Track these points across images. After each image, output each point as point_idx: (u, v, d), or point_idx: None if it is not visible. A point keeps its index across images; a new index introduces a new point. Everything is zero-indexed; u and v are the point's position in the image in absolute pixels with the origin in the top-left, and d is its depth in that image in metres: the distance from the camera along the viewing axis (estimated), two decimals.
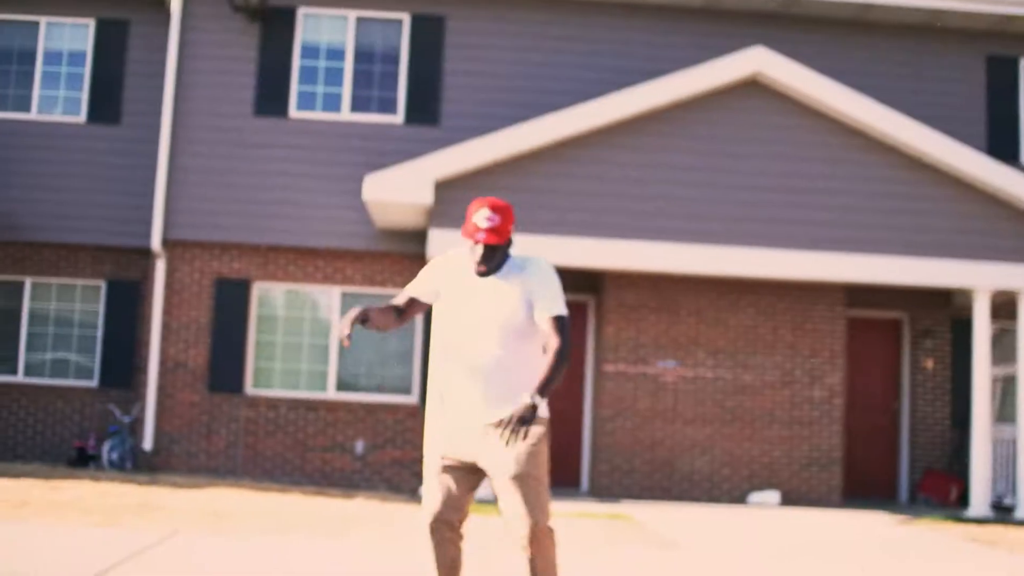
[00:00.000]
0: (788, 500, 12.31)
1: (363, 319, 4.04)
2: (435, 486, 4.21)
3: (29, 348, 13.70)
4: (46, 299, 13.83)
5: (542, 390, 4.02)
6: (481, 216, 4.13)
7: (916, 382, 13.54)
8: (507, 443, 3.86)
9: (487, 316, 4.21)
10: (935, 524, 10.84)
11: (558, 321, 4.19)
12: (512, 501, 4.05)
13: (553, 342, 4.14)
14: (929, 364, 13.53)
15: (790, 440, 12.45)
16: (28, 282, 13.80)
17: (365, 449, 13.02)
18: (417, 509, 10.06)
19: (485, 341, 4.19)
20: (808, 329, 12.61)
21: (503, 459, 4.05)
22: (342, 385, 13.20)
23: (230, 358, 13.01)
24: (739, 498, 12.33)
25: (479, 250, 4.13)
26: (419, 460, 12.65)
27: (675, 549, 8.23)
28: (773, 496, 12.20)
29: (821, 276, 11.99)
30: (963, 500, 12.50)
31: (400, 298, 4.38)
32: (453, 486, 4.18)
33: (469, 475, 4.22)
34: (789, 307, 12.62)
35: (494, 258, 4.18)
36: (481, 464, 4.15)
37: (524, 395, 4.00)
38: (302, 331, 13.33)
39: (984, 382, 11.84)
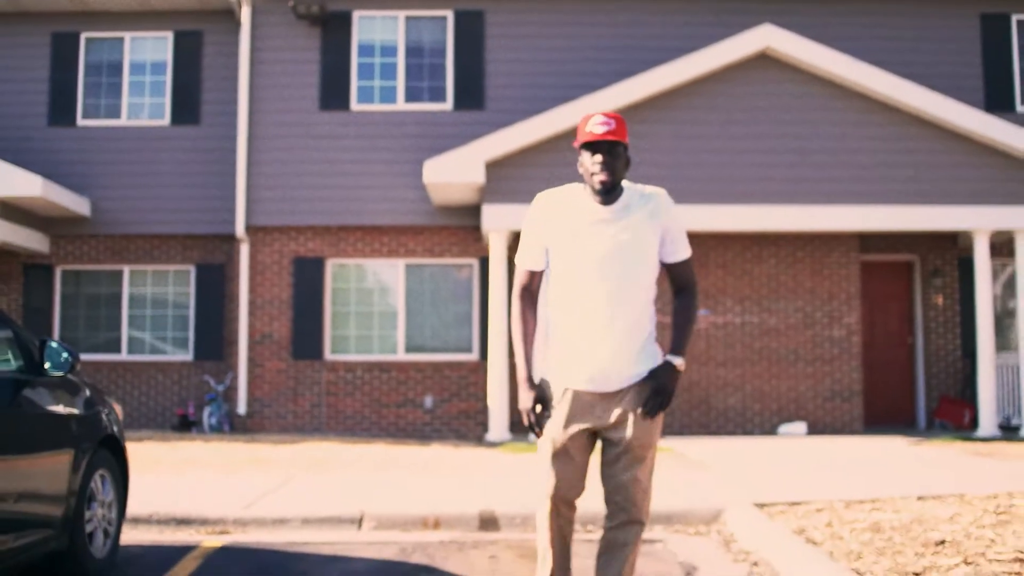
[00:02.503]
0: (814, 430, 13.71)
1: (542, 404, 3.82)
2: (555, 464, 3.84)
3: (130, 328, 15.26)
4: (142, 284, 15.38)
5: (683, 349, 3.89)
6: (595, 121, 3.78)
7: (928, 318, 14.80)
8: (651, 415, 3.76)
9: (619, 255, 3.77)
10: (945, 443, 12.16)
11: (690, 265, 3.99)
12: (628, 475, 3.79)
13: (689, 290, 3.96)
14: (939, 301, 14.76)
15: (813, 376, 13.84)
16: (126, 270, 15.34)
17: (434, 403, 14.52)
18: (485, 452, 11.66)
19: (618, 285, 3.76)
20: (826, 275, 13.94)
21: (632, 429, 3.77)
22: (410, 347, 14.66)
23: (310, 328, 14.52)
24: (770, 430, 13.75)
25: (598, 159, 3.75)
26: (483, 411, 14.16)
27: (706, 470, 9.66)
28: (800, 427, 13.60)
29: (835, 227, 13.27)
30: (975, 423, 13.73)
31: (521, 280, 3.94)
32: (574, 462, 3.84)
33: (589, 443, 3.88)
34: (808, 256, 13.95)
35: (616, 169, 3.77)
36: (606, 430, 3.82)
37: (671, 358, 3.84)
38: (372, 301, 14.80)
39: (987, 315, 13.05)
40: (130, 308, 15.30)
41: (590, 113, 3.85)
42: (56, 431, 5.11)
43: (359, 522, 7.10)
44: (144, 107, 15.20)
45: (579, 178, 3.93)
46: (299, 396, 14.50)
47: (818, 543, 5.80)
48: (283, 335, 14.58)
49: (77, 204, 14.61)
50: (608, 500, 3.85)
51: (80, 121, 15.15)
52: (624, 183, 3.84)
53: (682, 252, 3.90)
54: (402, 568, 5.82)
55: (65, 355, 5.11)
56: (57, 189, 13.98)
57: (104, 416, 5.74)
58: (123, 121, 15.17)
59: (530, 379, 3.83)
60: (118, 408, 6.10)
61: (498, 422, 12.88)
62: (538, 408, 3.79)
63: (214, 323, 15.17)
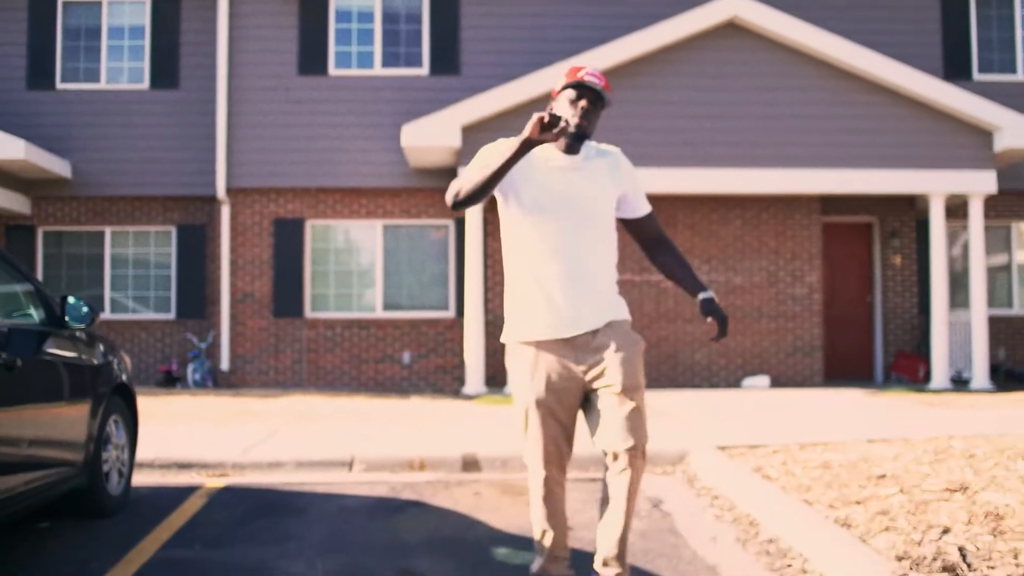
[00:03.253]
0: (776, 383, 14.34)
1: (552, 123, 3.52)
2: (542, 430, 3.85)
3: (113, 288, 15.58)
4: (124, 245, 15.70)
5: (702, 284, 4.01)
6: (587, 71, 3.79)
7: (887, 276, 15.43)
8: (723, 336, 3.88)
9: (580, 201, 3.80)
10: (899, 395, 12.81)
11: (655, 218, 4.12)
12: (621, 415, 3.73)
13: (666, 239, 4.12)
14: (897, 260, 15.39)
15: (776, 332, 14.45)
16: (108, 231, 15.66)
17: (411, 359, 15.02)
18: (463, 404, 12.17)
19: (580, 230, 3.78)
20: (789, 236, 14.52)
21: (617, 370, 3.75)
22: (388, 305, 15.13)
23: (290, 287, 14.95)
24: (734, 383, 14.37)
25: (583, 103, 3.74)
26: (459, 366, 14.68)
27: (673, 418, 10.21)
28: (763, 380, 14.22)
29: (798, 189, 13.82)
30: (929, 377, 14.36)
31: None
32: (561, 425, 3.85)
33: (575, 403, 3.87)
34: (772, 217, 14.51)
35: (593, 120, 3.80)
36: (590, 378, 3.80)
37: (703, 295, 3.95)
38: (351, 261, 15.24)
39: (941, 275, 13.68)
40: (112, 268, 15.62)
41: (580, 65, 3.85)
42: (78, 380, 5.55)
43: (350, 465, 7.61)
44: (123, 71, 15.44)
45: None
46: (280, 353, 14.95)
47: (772, 479, 6.37)
48: (264, 294, 15.00)
49: (58, 166, 14.88)
50: (605, 448, 3.77)
51: (59, 85, 15.36)
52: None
53: (646, 206, 4.03)
54: (394, 504, 6.34)
55: (85, 309, 5.54)
56: (39, 152, 14.25)
57: (116, 366, 6.20)
58: (102, 85, 15.39)
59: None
60: (127, 359, 6.55)
61: (474, 376, 13.40)
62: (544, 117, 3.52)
63: (196, 283, 15.54)
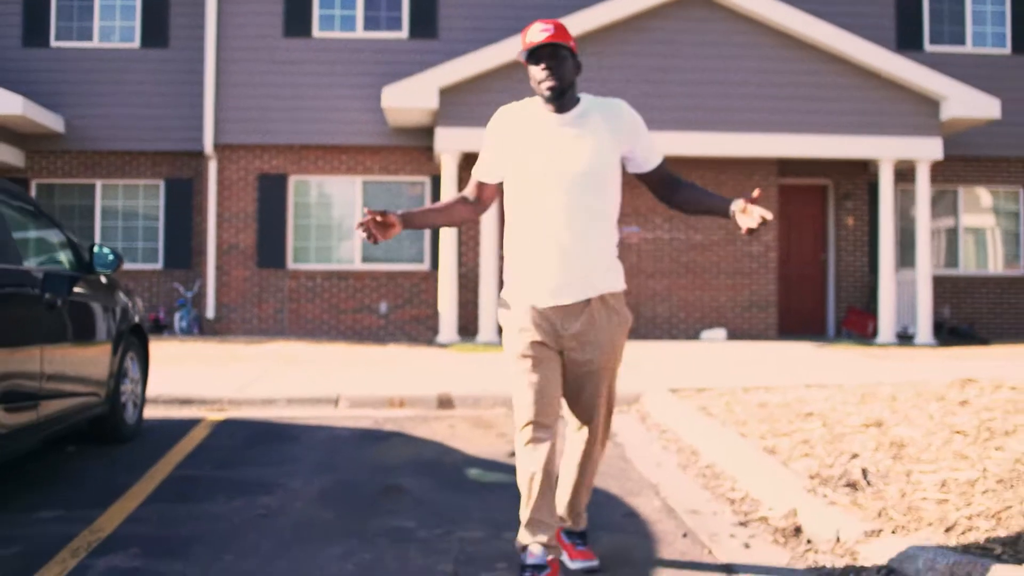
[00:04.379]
0: (733, 336, 15.23)
1: (382, 215, 3.71)
2: (528, 387, 3.75)
3: (103, 239, 16.10)
4: (114, 197, 16.29)
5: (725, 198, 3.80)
6: (534, 29, 3.68)
7: (840, 236, 16.32)
8: (756, 226, 3.53)
9: (577, 161, 3.68)
10: (847, 347, 13.72)
11: (665, 166, 3.95)
12: (592, 391, 3.82)
13: (680, 179, 3.95)
14: (850, 221, 16.28)
15: (734, 288, 15.32)
16: (98, 184, 16.23)
17: (388, 309, 15.78)
18: (437, 351, 12.99)
19: (579, 192, 3.68)
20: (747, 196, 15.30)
21: (596, 347, 3.75)
22: (366, 258, 15.84)
23: (273, 239, 15.64)
24: (693, 336, 15.25)
25: (542, 65, 3.65)
26: (433, 316, 15.47)
27: (633, 366, 10.99)
28: (720, 333, 15.10)
29: (756, 153, 14.60)
30: (877, 332, 15.24)
31: (468, 188, 3.99)
32: (548, 382, 3.75)
33: (557, 360, 3.80)
34: (731, 178, 15.32)
35: (563, 73, 3.67)
36: (570, 346, 3.77)
37: (734, 203, 3.68)
38: (331, 215, 15.94)
39: (889, 236, 14.56)
40: (103, 220, 16.21)
41: (528, 25, 3.79)
42: (104, 320, 6.31)
43: (336, 402, 8.42)
44: (115, 30, 15.94)
45: (517, 101, 4.02)
46: (263, 302, 15.67)
47: (714, 416, 7.23)
48: (248, 245, 15.69)
49: (52, 121, 15.41)
50: (569, 414, 3.98)
51: (53, 43, 15.85)
52: (582, 94, 3.77)
53: (656, 157, 3.89)
54: (378, 434, 7.15)
55: (111, 257, 6.28)
56: (35, 107, 14.79)
57: (132, 308, 6.95)
58: (95, 43, 15.88)
59: (402, 216, 3.80)
60: (139, 302, 7.29)
61: (448, 325, 14.21)
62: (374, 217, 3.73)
63: (183, 234, 16.16)
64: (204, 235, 15.80)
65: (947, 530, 4.03)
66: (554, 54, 3.64)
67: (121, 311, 6.68)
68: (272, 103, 15.45)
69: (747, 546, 4.42)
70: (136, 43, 15.88)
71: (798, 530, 4.54)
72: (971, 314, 16.35)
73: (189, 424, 7.50)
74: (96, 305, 6.23)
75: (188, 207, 16.16)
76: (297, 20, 15.44)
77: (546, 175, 3.68)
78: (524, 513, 3.79)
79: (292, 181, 15.79)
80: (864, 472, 5.26)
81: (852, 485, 5.04)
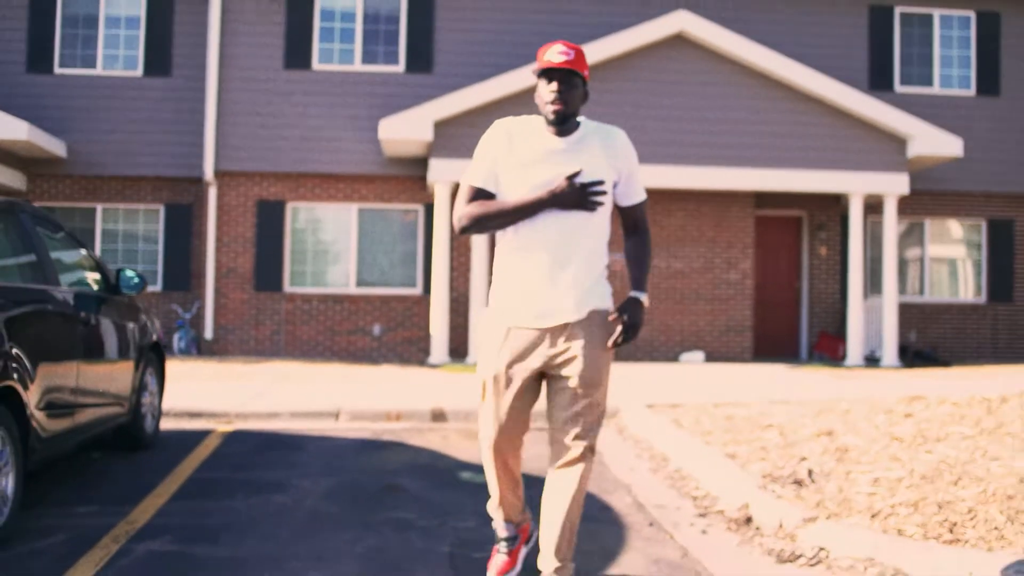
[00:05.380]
0: (711, 358, 15.90)
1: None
2: (498, 405, 3.85)
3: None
4: (114, 221, 16.86)
5: (645, 285, 3.82)
6: (554, 50, 3.68)
7: (813, 265, 17.07)
8: (627, 342, 3.68)
9: None
10: (816, 369, 14.42)
11: (644, 207, 3.94)
12: (577, 411, 3.76)
13: (643, 230, 3.93)
14: (823, 251, 17.03)
15: (712, 312, 16.02)
16: (99, 208, 16.76)
17: (381, 331, 16.39)
18: (428, 371, 13.63)
19: (574, 221, 3.71)
20: (725, 226, 16.07)
21: (580, 364, 3.73)
22: (361, 282, 16.45)
23: (271, 264, 16.24)
24: (672, 358, 15.92)
25: (554, 86, 3.67)
26: (424, 338, 16.11)
27: (614, 385, 11.71)
28: (698, 355, 15.78)
29: (735, 186, 15.33)
30: (847, 355, 15.98)
31: (466, 196, 3.85)
32: (519, 402, 3.83)
33: (535, 383, 3.87)
34: (710, 210, 16.05)
35: (571, 99, 3.71)
36: (556, 364, 3.78)
37: (635, 294, 3.78)
38: (328, 240, 16.55)
39: (857, 265, 15.28)
40: (103, 243, 16.76)
41: (551, 43, 3.79)
42: (129, 337, 6.95)
43: (336, 415, 9.06)
44: (119, 58, 16.55)
45: None
46: (260, 324, 16.28)
47: (684, 427, 7.90)
48: (247, 269, 16.31)
49: (55, 146, 15.96)
50: (554, 439, 3.83)
51: (57, 69, 16.45)
52: (583, 118, 3.83)
53: (639, 194, 3.90)
54: (377, 443, 7.79)
55: (136, 279, 6.92)
56: (39, 133, 15.34)
57: (151, 327, 7.59)
58: (99, 71, 16.45)
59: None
60: (156, 321, 7.93)
61: (439, 347, 14.85)
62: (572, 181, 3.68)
63: (182, 257, 16.72)
64: (203, 258, 16.40)
65: (872, 516, 4.71)
66: (567, 79, 3.67)
67: (141, 329, 7.31)
68: (272, 132, 16.11)
69: (704, 532, 5.10)
70: (139, 71, 16.48)
71: (749, 520, 5.21)
72: (936, 339, 17.09)
73: (201, 435, 8.12)
74: (122, 324, 6.86)
75: (187, 231, 16.74)
76: (297, 53, 16.13)
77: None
78: (492, 503, 4.21)
79: (290, 207, 16.43)
80: (810, 472, 5.93)
81: (798, 483, 5.71)
